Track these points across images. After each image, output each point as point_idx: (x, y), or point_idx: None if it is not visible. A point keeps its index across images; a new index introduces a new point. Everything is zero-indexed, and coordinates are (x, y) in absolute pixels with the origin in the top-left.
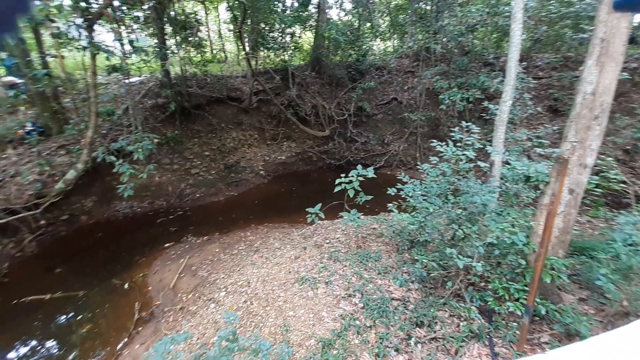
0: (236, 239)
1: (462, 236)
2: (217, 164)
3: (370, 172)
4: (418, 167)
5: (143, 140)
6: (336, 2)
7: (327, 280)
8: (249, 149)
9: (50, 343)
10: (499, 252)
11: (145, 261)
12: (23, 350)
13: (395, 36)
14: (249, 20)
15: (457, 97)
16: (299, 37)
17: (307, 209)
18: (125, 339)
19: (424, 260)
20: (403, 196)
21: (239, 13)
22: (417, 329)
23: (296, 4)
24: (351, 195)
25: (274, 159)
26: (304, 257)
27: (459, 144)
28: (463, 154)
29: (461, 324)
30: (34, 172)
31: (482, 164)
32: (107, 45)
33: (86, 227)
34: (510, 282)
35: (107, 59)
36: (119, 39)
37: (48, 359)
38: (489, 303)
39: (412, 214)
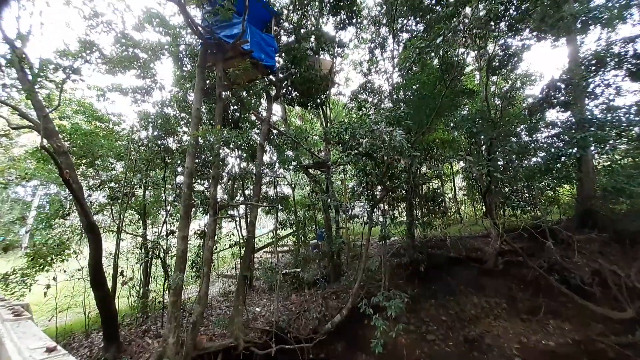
0: None
1: None
2: (455, 333)
3: None
4: None
5: (395, 298)
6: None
7: None
8: (495, 321)
9: None
10: None
11: None
12: None
13: None
14: (492, 185)
15: None
16: (552, 190)
17: None
18: None
19: None
20: None
21: (480, 184)
22: None
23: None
24: None
25: (535, 342)
26: None
27: None
28: None
29: None
30: (316, 311)
31: None
32: (378, 220)
33: None
34: None
35: (380, 230)
36: (385, 215)
37: None
38: None
39: None
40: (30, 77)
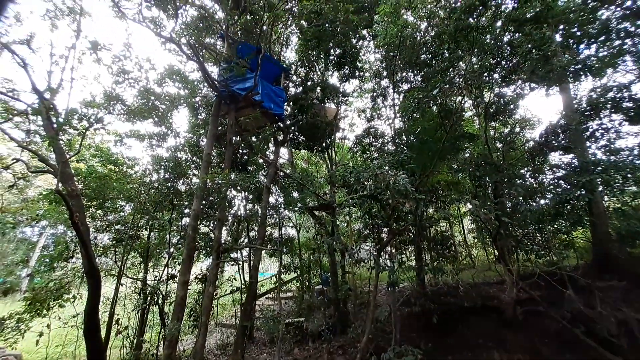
0: None
1: None
2: None
3: None
4: None
5: (407, 354)
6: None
7: None
8: None
9: None
10: None
11: None
12: None
13: None
14: (501, 229)
15: None
16: (565, 234)
17: None
18: None
19: None
20: None
21: (489, 227)
22: None
23: (549, 202)
24: None
25: None
26: None
27: None
28: None
29: None
30: None
31: None
32: (387, 265)
33: None
34: None
35: (388, 276)
36: (393, 259)
37: None
38: None
39: None
40: (55, 126)
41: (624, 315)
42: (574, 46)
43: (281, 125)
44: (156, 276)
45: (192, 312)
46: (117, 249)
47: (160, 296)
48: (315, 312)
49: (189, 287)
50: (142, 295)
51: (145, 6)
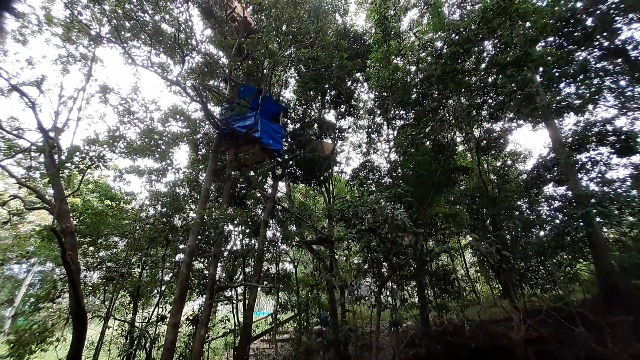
0: None
1: None
2: None
3: None
4: None
5: None
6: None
7: None
8: None
9: None
10: None
11: None
12: None
13: None
14: (503, 263)
15: None
16: (568, 266)
17: None
18: None
19: None
20: None
21: (491, 260)
22: None
23: (548, 234)
24: None
25: None
26: None
27: None
28: None
29: None
30: None
31: None
32: (388, 302)
33: None
34: None
35: (391, 315)
36: (394, 296)
37: None
38: None
39: None
40: (57, 163)
41: (635, 350)
42: (554, 86)
43: (279, 160)
44: (145, 317)
45: (181, 358)
46: (106, 288)
47: (148, 340)
48: (314, 357)
49: (179, 330)
50: (128, 338)
51: (154, 53)
